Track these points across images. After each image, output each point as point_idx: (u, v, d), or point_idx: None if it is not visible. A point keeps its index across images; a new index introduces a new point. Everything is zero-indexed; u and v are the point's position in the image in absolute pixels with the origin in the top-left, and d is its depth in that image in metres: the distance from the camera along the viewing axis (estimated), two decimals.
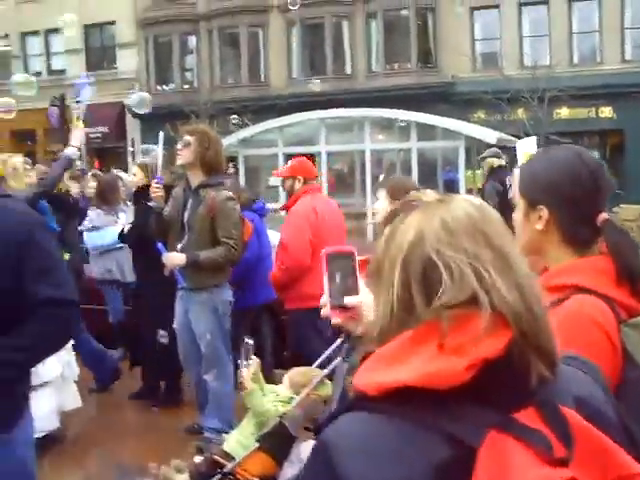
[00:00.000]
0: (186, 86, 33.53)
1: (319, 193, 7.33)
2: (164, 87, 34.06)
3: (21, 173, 6.15)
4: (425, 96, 27.90)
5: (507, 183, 11.12)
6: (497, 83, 26.75)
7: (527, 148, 14.61)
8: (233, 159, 25.76)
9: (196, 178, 6.07)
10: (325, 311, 2.01)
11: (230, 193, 6.18)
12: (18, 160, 6.28)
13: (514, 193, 2.37)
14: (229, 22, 32.71)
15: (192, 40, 34.19)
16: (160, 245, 6.00)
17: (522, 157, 14.17)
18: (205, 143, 6.00)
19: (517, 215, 2.32)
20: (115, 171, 14.53)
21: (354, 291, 2.00)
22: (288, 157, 26.18)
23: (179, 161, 6.10)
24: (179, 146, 6.05)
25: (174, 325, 6.39)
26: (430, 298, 1.26)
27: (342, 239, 6.63)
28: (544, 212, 2.23)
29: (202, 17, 33.27)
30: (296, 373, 4.61)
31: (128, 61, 34.81)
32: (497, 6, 29.27)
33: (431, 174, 23.14)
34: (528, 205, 2.27)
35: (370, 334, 1.38)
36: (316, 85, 29.19)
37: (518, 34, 29.54)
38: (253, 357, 4.50)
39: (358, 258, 2.01)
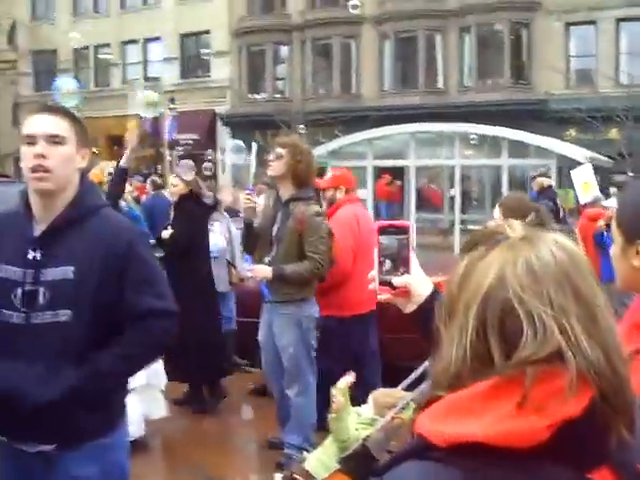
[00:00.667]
0: (278, 95, 33.76)
1: (359, 203, 7.48)
2: (256, 96, 34.36)
3: (106, 180, 6.23)
4: (517, 112, 27.41)
5: (558, 202, 11.34)
6: (591, 101, 26.10)
7: (584, 177, 14.39)
8: (322, 171, 25.77)
9: (286, 191, 6.01)
10: (373, 286, 1.95)
11: (319, 208, 6.13)
12: (107, 166, 6.36)
13: (612, 226, 2.23)
14: (322, 33, 32.86)
15: (285, 50, 34.46)
16: (247, 257, 6.01)
17: (580, 187, 13.96)
18: (297, 156, 5.92)
19: (614, 249, 2.16)
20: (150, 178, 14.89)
21: (406, 267, 1.95)
22: (377, 170, 26.27)
23: (270, 172, 6.05)
24: (270, 157, 6.00)
25: (258, 337, 6.36)
26: (509, 349, 1.17)
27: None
28: None
29: (296, 27, 33.50)
30: (382, 394, 4.52)
31: (221, 69, 35.31)
32: (594, 22, 28.57)
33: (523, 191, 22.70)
34: (626, 240, 2.10)
35: (439, 377, 1.27)
36: (407, 98, 29.09)
37: (615, 51, 28.79)
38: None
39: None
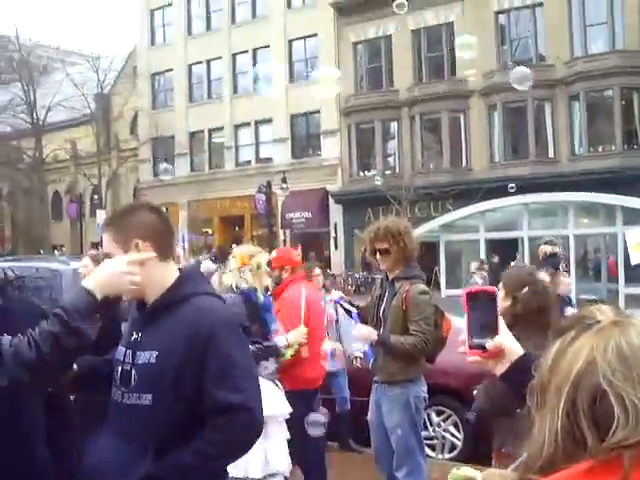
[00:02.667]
0: (388, 172, 33.96)
1: (306, 281, 7.56)
2: (366, 173, 34.69)
3: (261, 272, 6.27)
4: (630, 178, 26.73)
5: (560, 269, 11.42)
6: None
7: (637, 238, 14.24)
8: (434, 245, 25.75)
9: (392, 271, 6.07)
10: (463, 349, 2.01)
11: (425, 287, 6.11)
12: (264, 258, 6.39)
13: None
14: (431, 108, 33.07)
15: (394, 126, 34.76)
16: (354, 313, 6.16)
17: (633, 247, 13.78)
18: (400, 244, 5.96)
19: None
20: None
21: (494, 330, 2.01)
22: (490, 242, 26.01)
23: (383, 267, 6.13)
24: (378, 257, 6.06)
25: (368, 418, 6.31)
26: (601, 433, 1.16)
27: (323, 325, 7.01)
28: None
29: (404, 103, 33.82)
30: (492, 474, 4.39)
31: (331, 148, 35.88)
32: None
33: None
34: None
35: (531, 460, 1.27)
36: (518, 169, 28.84)
37: None
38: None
39: None
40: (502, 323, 2.03)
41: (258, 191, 33.97)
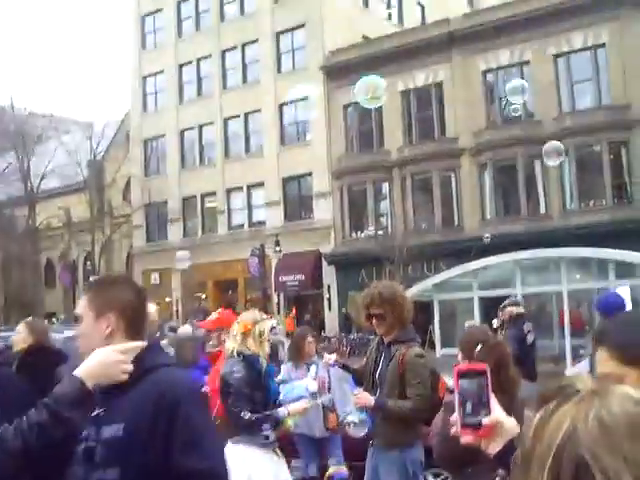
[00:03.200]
0: (380, 232, 33.95)
1: None
2: (359, 234, 34.68)
3: (264, 339, 6.19)
4: (622, 232, 26.75)
5: (525, 330, 11.51)
6: None
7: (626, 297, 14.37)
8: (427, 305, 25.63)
9: (388, 334, 6.01)
10: (455, 430, 2.00)
11: (421, 350, 6.09)
12: (267, 325, 6.31)
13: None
14: (421, 168, 33.25)
15: (385, 187, 34.88)
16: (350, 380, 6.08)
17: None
18: (396, 309, 5.91)
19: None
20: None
21: (487, 409, 1.99)
22: (484, 301, 25.83)
23: (379, 331, 6.06)
24: (374, 322, 6.00)
25: None
26: None
27: None
28: None
29: (395, 164, 34.02)
30: None
31: (324, 210, 35.95)
32: None
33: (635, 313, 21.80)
34: None
35: None
36: (510, 226, 28.86)
37: None
38: None
39: None
40: (494, 400, 2.01)
41: (251, 254, 33.95)
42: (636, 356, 2.00)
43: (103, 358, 2.78)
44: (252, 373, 5.88)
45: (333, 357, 6.75)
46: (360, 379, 6.22)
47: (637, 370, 1.99)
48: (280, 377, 8.72)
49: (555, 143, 12.88)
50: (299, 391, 8.35)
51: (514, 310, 12.49)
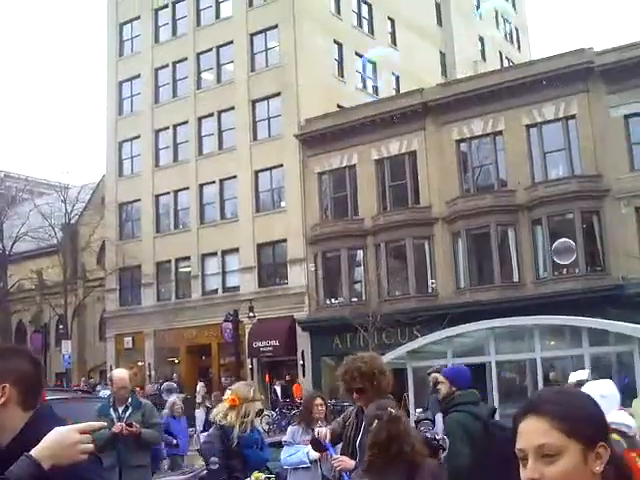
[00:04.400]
0: (354, 299, 34.04)
1: None
2: (333, 300, 34.73)
3: (246, 421, 6.33)
4: (595, 300, 27.04)
5: None
6: None
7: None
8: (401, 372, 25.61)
9: (366, 403, 6.02)
10: None
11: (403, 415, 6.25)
12: (255, 408, 6.44)
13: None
14: (395, 236, 33.48)
15: (359, 254, 35.03)
16: (329, 445, 6.10)
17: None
18: (375, 382, 6.00)
19: (567, 463, 2.03)
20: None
21: None
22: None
23: (357, 403, 6.18)
24: (355, 397, 6.11)
25: None
26: None
27: None
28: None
29: (369, 232, 34.23)
30: None
31: (298, 276, 36.00)
32: None
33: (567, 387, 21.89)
34: (585, 445, 2.06)
35: None
36: (484, 294, 29.07)
37: None
38: None
39: None
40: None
41: (225, 320, 33.83)
42: (577, 428, 2.02)
43: (61, 438, 2.70)
44: (224, 443, 6.07)
45: (324, 431, 6.78)
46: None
47: (577, 443, 2.01)
48: (285, 438, 8.81)
49: (566, 242, 12.98)
50: (300, 456, 8.38)
51: (438, 376, 12.68)
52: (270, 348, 35.11)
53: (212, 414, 6.43)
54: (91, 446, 2.74)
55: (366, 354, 6.52)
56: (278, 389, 33.86)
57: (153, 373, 38.44)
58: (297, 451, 8.49)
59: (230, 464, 6.13)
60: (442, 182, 32.95)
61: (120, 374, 9.26)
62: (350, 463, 5.87)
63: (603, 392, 6.26)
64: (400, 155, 34.62)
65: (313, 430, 8.57)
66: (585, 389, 7.05)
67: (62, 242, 44.70)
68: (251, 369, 35.80)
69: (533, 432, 2.05)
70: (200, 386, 32.47)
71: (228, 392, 6.54)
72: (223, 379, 36.66)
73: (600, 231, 30.18)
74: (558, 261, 11.72)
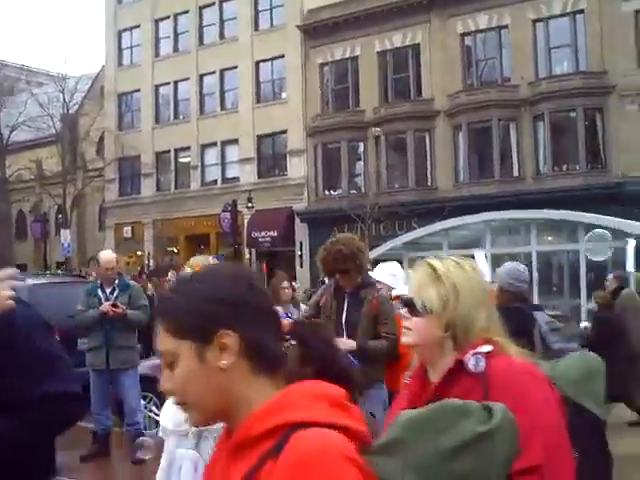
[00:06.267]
0: (353, 191, 34.00)
1: None
2: (332, 192, 34.72)
3: None
4: (594, 197, 26.99)
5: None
6: None
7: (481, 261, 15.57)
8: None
9: (350, 282, 6.16)
10: None
11: (387, 293, 6.37)
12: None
13: None
14: (396, 128, 33.23)
15: (360, 146, 34.87)
16: None
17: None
18: (357, 262, 6.06)
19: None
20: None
21: None
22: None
23: (341, 283, 6.22)
24: (338, 278, 6.20)
25: None
26: None
27: None
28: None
29: (370, 124, 33.96)
30: None
31: (298, 168, 35.93)
32: None
33: (601, 276, 22.01)
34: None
35: None
36: (483, 188, 29.02)
37: None
38: None
39: None
40: None
41: (223, 210, 33.89)
42: (182, 325, 1.68)
43: None
44: None
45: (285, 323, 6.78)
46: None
47: (187, 342, 1.67)
48: None
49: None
50: None
51: None
52: (268, 239, 35.28)
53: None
54: (10, 292, 2.68)
55: (342, 236, 6.51)
56: None
57: (152, 262, 38.69)
58: None
59: None
60: (445, 76, 32.53)
61: (106, 256, 9.26)
62: (351, 343, 5.89)
63: (393, 272, 6.57)
64: (403, 47, 34.08)
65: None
66: (376, 270, 7.27)
67: (61, 132, 44.36)
68: (249, 259, 36.02)
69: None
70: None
71: (187, 270, 6.38)
72: None
73: (603, 128, 29.90)
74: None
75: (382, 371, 6.10)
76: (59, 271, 33.30)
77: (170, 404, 6.03)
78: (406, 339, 2.38)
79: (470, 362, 2.19)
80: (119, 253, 38.69)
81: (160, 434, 6.14)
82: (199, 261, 6.34)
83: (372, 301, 6.03)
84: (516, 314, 5.95)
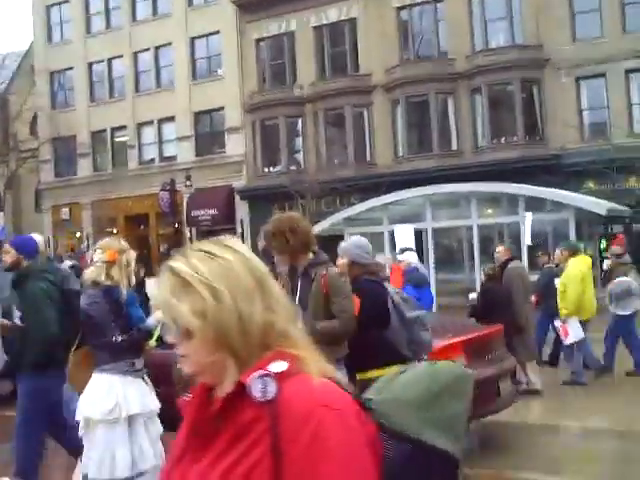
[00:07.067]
0: (293, 167, 33.84)
1: None
2: (271, 169, 34.54)
3: (130, 269, 6.09)
4: (533, 169, 27.30)
5: None
6: (606, 153, 25.99)
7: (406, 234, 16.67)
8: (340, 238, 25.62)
9: (301, 261, 6.01)
10: None
11: (338, 270, 6.15)
12: (133, 255, 6.21)
13: None
14: (334, 103, 33.12)
15: (298, 122, 34.68)
16: None
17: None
18: (289, 236, 5.89)
19: None
20: None
21: None
22: (393, 235, 26.11)
23: (282, 263, 6.07)
24: (274, 256, 6.02)
25: None
26: None
27: None
28: None
29: (307, 99, 33.80)
30: None
31: (236, 145, 35.60)
32: (603, 75, 28.56)
33: (543, 247, 22.29)
34: None
35: None
36: (422, 162, 29.06)
37: (626, 102, 28.68)
38: None
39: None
40: None
41: (162, 189, 33.52)
42: None
43: None
44: (111, 303, 5.92)
45: None
46: None
47: None
48: None
49: None
50: None
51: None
52: (209, 217, 34.96)
53: (86, 278, 6.08)
54: None
55: (277, 215, 6.41)
56: None
57: (92, 243, 38.10)
58: None
59: (117, 324, 5.98)
60: (382, 50, 32.43)
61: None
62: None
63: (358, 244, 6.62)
64: (339, 22, 33.86)
65: None
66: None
67: None
68: (190, 238, 35.69)
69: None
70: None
71: (97, 252, 6.23)
72: (161, 248, 36.62)
73: (540, 101, 30.17)
74: None
75: (341, 349, 5.90)
76: None
77: (89, 393, 5.93)
78: (185, 369, 1.77)
79: (255, 387, 1.65)
80: (57, 235, 38.01)
81: (81, 429, 6.03)
82: (110, 244, 6.21)
83: (321, 280, 5.86)
84: (371, 285, 6.30)
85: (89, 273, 6.07)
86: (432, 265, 25.08)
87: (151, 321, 6.09)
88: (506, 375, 8.84)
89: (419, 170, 29.81)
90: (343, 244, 6.69)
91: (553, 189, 24.52)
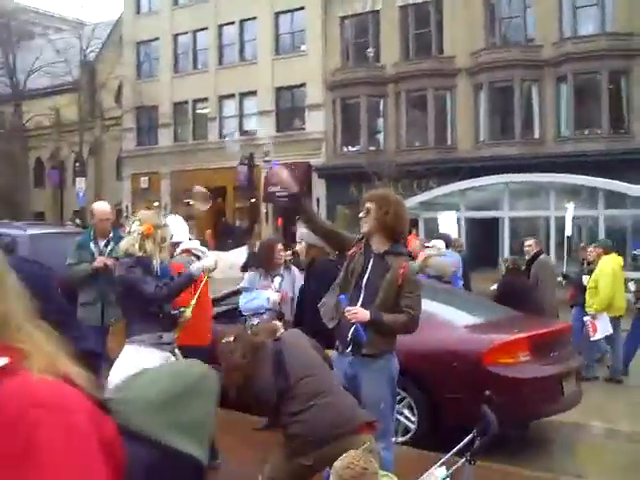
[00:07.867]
0: (372, 148, 33.75)
1: None
2: (350, 148, 34.51)
3: (164, 247, 6.17)
4: (616, 163, 26.61)
5: None
6: None
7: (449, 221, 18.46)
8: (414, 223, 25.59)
9: (380, 244, 5.92)
10: None
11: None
12: (169, 233, 6.29)
13: None
14: (417, 85, 32.91)
15: (379, 102, 34.54)
16: (343, 297, 5.85)
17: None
18: (385, 207, 5.83)
19: None
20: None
21: None
22: (470, 221, 25.88)
23: (362, 229, 5.96)
24: (361, 215, 5.93)
25: None
26: None
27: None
28: None
29: (390, 80, 33.63)
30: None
31: (316, 122, 35.67)
32: None
33: (620, 243, 21.85)
34: None
35: None
36: (503, 149, 28.67)
37: None
38: None
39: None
40: None
41: (240, 163, 33.76)
42: None
43: None
44: (145, 272, 5.94)
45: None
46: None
47: None
48: (243, 284, 8.43)
49: None
50: (260, 301, 8.15)
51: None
52: (285, 194, 34.92)
53: (120, 249, 6.13)
54: None
55: (386, 190, 6.43)
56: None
57: (168, 213, 38.68)
58: (256, 297, 8.11)
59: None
60: (467, 33, 32.02)
61: (101, 206, 8.83)
62: (365, 314, 5.69)
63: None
64: (425, 3, 33.52)
65: (272, 276, 8.48)
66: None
67: (79, 79, 44.17)
68: (266, 213, 36.00)
69: None
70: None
71: (135, 223, 6.24)
72: (237, 222, 36.96)
73: (627, 93, 29.48)
74: None
75: (392, 342, 5.87)
76: (77, 220, 33.16)
77: (117, 362, 6.05)
78: None
79: None
80: (136, 203, 38.58)
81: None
82: (149, 217, 6.26)
83: (399, 270, 5.75)
84: (326, 264, 6.69)
85: (124, 243, 6.12)
86: (507, 254, 24.78)
87: (195, 267, 6.24)
88: (571, 374, 8.57)
89: (500, 156, 29.42)
90: (301, 229, 6.97)
91: (634, 185, 23.93)
